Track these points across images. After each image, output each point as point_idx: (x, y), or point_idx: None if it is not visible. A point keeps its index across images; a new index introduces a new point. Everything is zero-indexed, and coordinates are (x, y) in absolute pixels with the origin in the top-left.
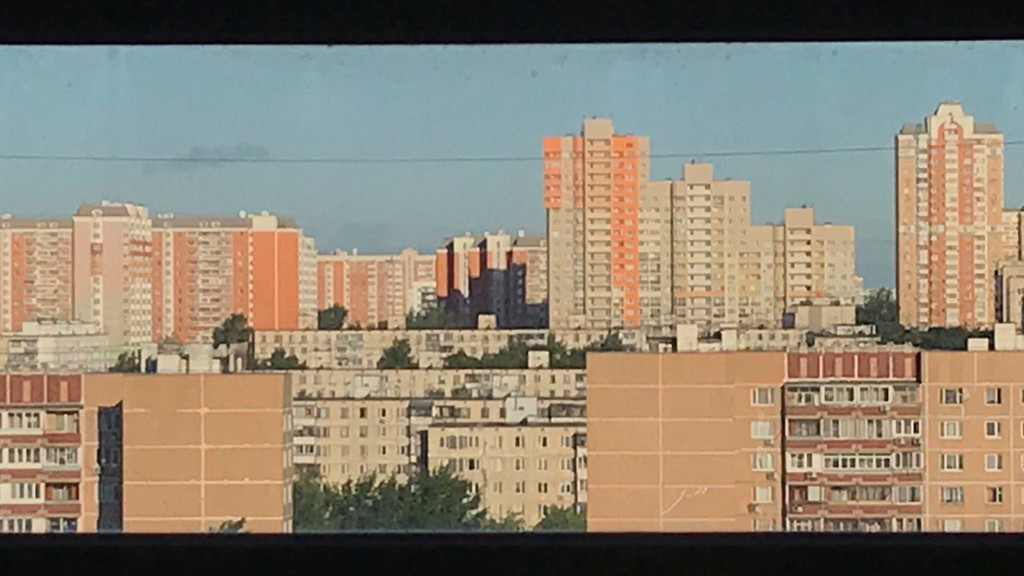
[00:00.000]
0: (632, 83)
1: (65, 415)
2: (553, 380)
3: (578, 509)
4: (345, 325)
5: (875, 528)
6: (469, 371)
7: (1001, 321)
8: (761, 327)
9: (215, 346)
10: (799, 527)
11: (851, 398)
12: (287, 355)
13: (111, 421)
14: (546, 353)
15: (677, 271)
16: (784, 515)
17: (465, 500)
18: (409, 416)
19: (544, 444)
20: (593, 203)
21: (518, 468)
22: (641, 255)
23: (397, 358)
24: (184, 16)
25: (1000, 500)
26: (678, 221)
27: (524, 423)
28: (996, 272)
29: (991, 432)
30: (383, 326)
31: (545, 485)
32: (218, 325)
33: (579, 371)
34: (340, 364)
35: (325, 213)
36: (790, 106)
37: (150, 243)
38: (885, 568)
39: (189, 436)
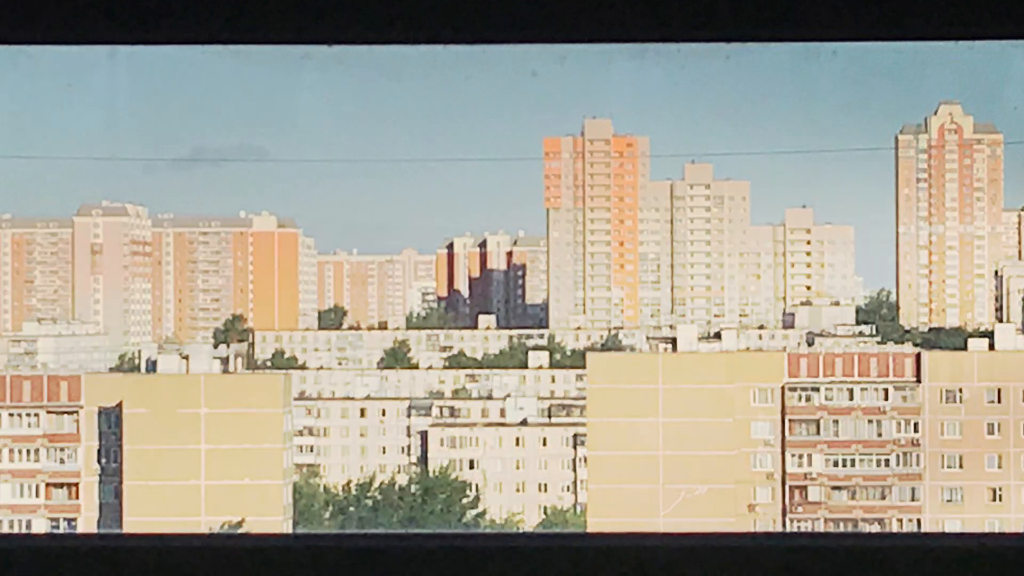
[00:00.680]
0: (632, 83)
1: (65, 415)
2: (553, 380)
3: (578, 509)
4: (345, 325)
5: (875, 528)
6: (469, 371)
7: (1001, 321)
8: (761, 327)
9: (215, 346)
10: (799, 527)
11: (851, 398)
12: (287, 355)
13: (111, 421)
14: (546, 353)
15: (677, 271)
16: (784, 515)
17: (465, 500)
18: (409, 416)
19: (544, 444)
20: (593, 203)
21: (518, 468)
22: (641, 255)
23: (397, 358)
24: (184, 16)
25: (1000, 500)
26: (678, 221)
27: (524, 423)
28: (996, 272)
29: (991, 432)
30: (383, 326)
31: (545, 485)
32: (218, 325)
33: (579, 371)
34: (340, 364)
35: (325, 213)
36: (790, 106)
37: (150, 243)
38: (885, 568)
39: (189, 436)
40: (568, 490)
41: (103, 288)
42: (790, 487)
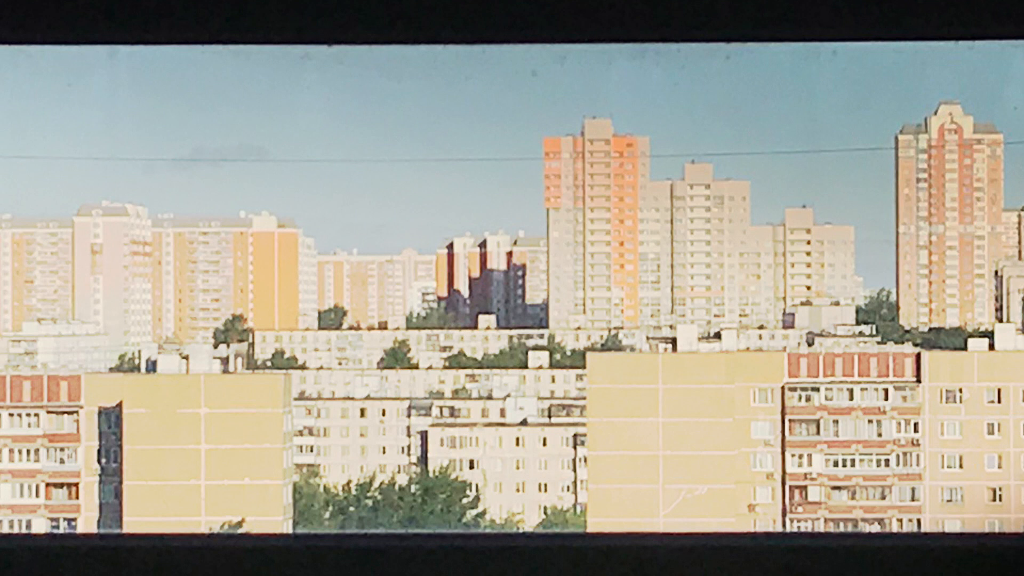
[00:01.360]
0: (632, 83)
1: (65, 415)
2: (553, 380)
3: (578, 509)
4: (345, 325)
5: (875, 528)
6: (469, 371)
7: (1001, 321)
8: (761, 327)
9: (215, 346)
10: (799, 527)
11: (851, 398)
12: (287, 355)
13: (111, 421)
14: (546, 353)
15: (677, 271)
16: (784, 515)
17: (465, 500)
18: (409, 416)
19: (544, 444)
20: (593, 203)
21: (518, 468)
22: (641, 255)
23: (397, 358)
24: (184, 16)
25: (1000, 500)
26: (678, 221)
27: (524, 423)
28: (996, 272)
29: (991, 432)
30: (383, 326)
31: (545, 485)
32: (218, 325)
33: (579, 371)
34: (340, 364)
35: (325, 213)
36: (790, 106)
37: (150, 243)
38: (885, 568)
39: (189, 436)
40: (568, 490)
41: (103, 288)
42: (790, 487)
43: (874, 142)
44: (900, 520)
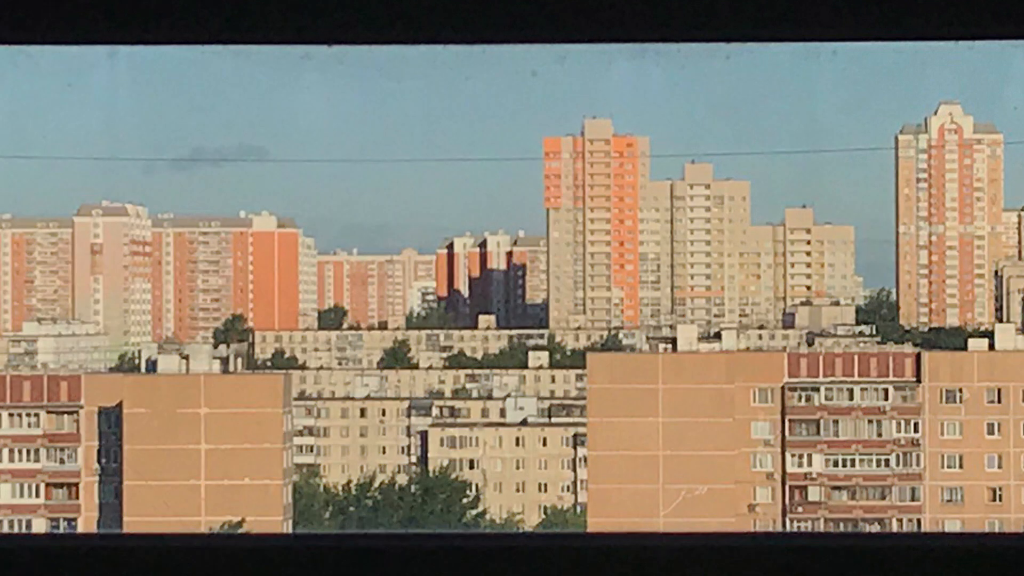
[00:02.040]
0: (632, 83)
1: (65, 415)
2: (553, 380)
3: (578, 509)
4: (345, 325)
5: (875, 528)
6: (469, 371)
7: (1001, 321)
8: (761, 327)
9: (215, 346)
10: (799, 527)
11: (851, 398)
12: (287, 355)
13: (111, 421)
14: (546, 353)
15: (677, 271)
16: (784, 515)
17: (465, 500)
18: (409, 416)
19: (544, 444)
20: (593, 203)
21: (518, 468)
22: (641, 255)
23: (397, 358)
24: (184, 16)
25: (1000, 500)
26: (678, 221)
27: (524, 423)
28: (996, 272)
29: (991, 432)
30: (383, 326)
31: (545, 485)
32: (218, 325)
33: (579, 371)
34: (340, 364)
35: (325, 213)
36: (790, 106)
37: (150, 243)
38: (885, 568)
39: (189, 436)
40: (568, 490)
41: (103, 288)
42: (790, 487)
43: (874, 142)
44: (900, 520)
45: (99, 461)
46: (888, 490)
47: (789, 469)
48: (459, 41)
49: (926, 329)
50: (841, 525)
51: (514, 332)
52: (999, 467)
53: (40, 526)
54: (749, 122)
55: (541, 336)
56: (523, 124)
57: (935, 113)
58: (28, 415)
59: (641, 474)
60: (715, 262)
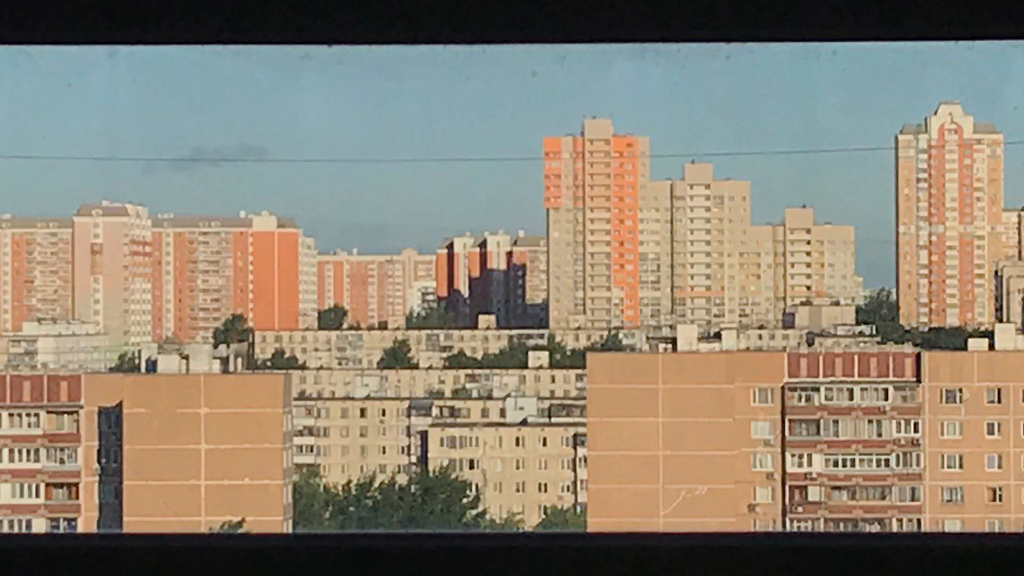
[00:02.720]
0: (632, 83)
1: (65, 415)
2: (553, 380)
3: (578, 509)
4: (345, 325)
5: (875, 528)
6: (469, 371)
7: (1001, 321)
8: (761, 327)
9: (215, 346)
10: (799, 527)
11: (851, 398)
12: (287, 355)
13: (111, 421)
14: (546, 353)
15: (677, 271)
16: (784, 515)
17: (465, 500)
18: (409, 416)
19: (544, 444)
20: (593, 203)
21: (518, 468)
22: (641, 255)
23: (397, 358)
24: (184, 16)
25: (1000, 500)
26: (678, 221)
27: (524, 423)
28: (996, 272)
29: (991, 432)
30: (383, 326)
31: (545, 485)
32: (218, 325)
33: (579, 371)
34: (340, 364)
35: (325, 213)
36: (790, 106)
37: (150, 243)
38: (885, 568)
39: (189, 436)
40: (568, 490)
41: (103, 288)
42: (790, 487)
43: (874, 142)
44: (900, 520)
45: (99, 461)
46: (888, 490)
47: (789, 469)
48: (459, 41)
49: (926, 329)
50: (841, 525)
51: (514, 332)
52: (999, 467)
53: (40, 526)
54: (749, 122)
55: (541, 336)
56: (523, 124)
57: (935, 113)
58: (28, 415)
59: (641, 474)
60: (715, 262)
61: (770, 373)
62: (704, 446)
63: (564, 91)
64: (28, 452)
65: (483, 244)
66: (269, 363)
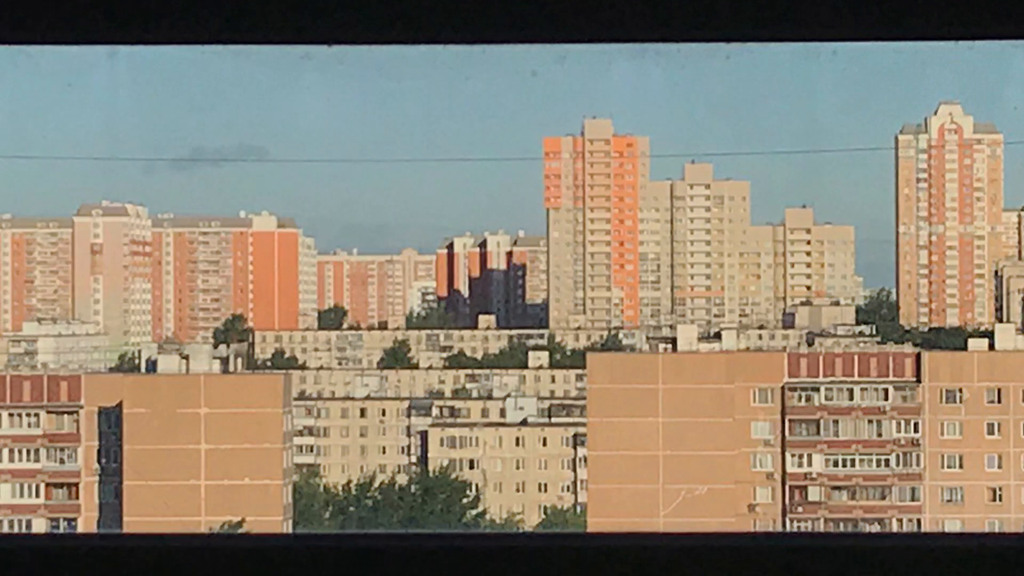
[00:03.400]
0: (632, 83)
1: (65, 415)
2: (553, 380)
3: (578, 509)
4: (345, 325)
5: (875, 528)
6: (469, 371)
7: (1001, 321)
8: (761, 327)
9: (215, 346)
10: (799, 527)
11: (851, 398)
12: (287, 355)
13: (111, 421)
14: (546, 353)
15: (677, 271)
16: (784, 515)
17: (465, 500)
18: (409, 416)
19: (544, 444)
20: (593, 203)
21: (518, 468)
22: (641, 255)
23: (397, 358)
24: (184, 16)
25: (1000, 500)
26: (678, 221)
27: (524, 423)
28: (996, 272)
29: (991, 432)
30: (383, 326)
31: (545, 485)
32: (218, 325)
33: (579, 371)
34: (340, 364)
35: (325, 213)
36: (790, 106)
37: (150, 243)
38: (885, 568)
39: (189, 436)
40: (568, 490)
41: (103, 288)
42: (790, 487)
43: (874, 142)
44: (900, 520)
45: (99, 461)
46: (888, 490)
47: (789, 469)
48: (459, 41)
49: (926, 329)
50: (841, 525)
51: (514, 332)
52: (999, 467)
53: (40, 526)
54: (749, 122)
55: (541, 336)
56: (523, 124)
57: (935, 113)
58: (28, 415)
59: (641, 474)
60: (715, 262)
61: (770, 373)
62: (704, 446)
63: (564, 91)
64: (28, 452)
65: (483, 244)
66: (269, 363)
